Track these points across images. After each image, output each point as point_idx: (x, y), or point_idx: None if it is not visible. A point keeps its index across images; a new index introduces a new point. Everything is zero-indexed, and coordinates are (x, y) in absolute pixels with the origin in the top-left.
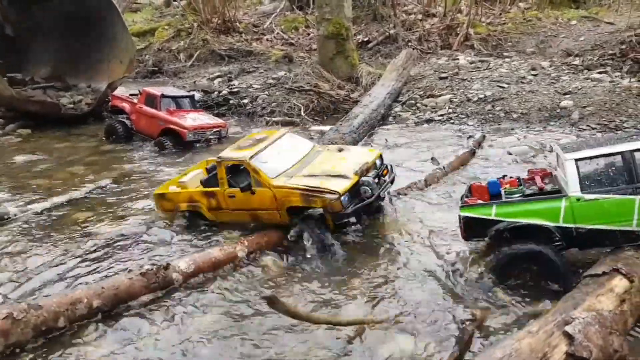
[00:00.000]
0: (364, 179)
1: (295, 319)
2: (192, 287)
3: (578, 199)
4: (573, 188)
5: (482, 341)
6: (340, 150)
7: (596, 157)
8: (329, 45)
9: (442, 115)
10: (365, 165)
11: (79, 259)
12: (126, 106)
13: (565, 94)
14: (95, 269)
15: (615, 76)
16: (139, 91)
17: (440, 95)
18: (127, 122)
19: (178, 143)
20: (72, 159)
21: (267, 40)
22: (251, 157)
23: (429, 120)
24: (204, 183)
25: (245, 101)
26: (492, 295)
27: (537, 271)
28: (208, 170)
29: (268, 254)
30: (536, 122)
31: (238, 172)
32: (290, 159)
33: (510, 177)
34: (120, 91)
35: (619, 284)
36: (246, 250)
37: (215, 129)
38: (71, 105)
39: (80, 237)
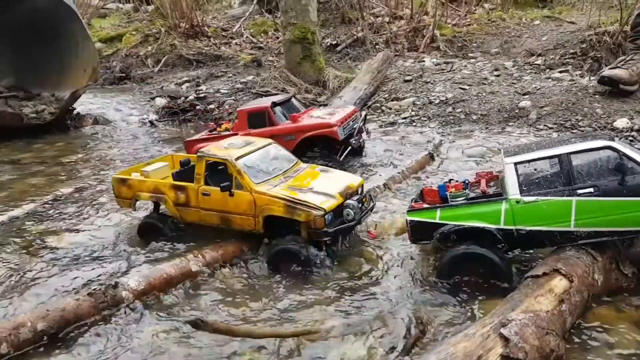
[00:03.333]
0: (348, 201)
1: (233, 336)
2: (143, 303)
3: (517, 202)
4: (512, 191)
5: (431, 345)
6: (323, 170)
7: (534, 160)
8: (295, 50)
9: (405, 118)
10: (350, 188)
11: (29, 276)
12: None
13: (524, 94)
14: (45, 287)
15: (576, 75)
16: (217, 124)
17: (404, 98)
18: None
19: (329, 150)
20: (33, 170)
21: (236, 44)
22: (237, 158)
23: (392, 123)
24: (175, 176)
25: (212, 106)
26: (441, 297)
27: (482, 272)
28: (181, 164)
29: (225, 267)
30: (495, 123)
31: (217, 170)
32: (274, 169)
33: (456, 181)
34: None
35: (559, 284)
36: (200, 264)
37: (353, 117)
38: (34, 115)
39: (33, 252)
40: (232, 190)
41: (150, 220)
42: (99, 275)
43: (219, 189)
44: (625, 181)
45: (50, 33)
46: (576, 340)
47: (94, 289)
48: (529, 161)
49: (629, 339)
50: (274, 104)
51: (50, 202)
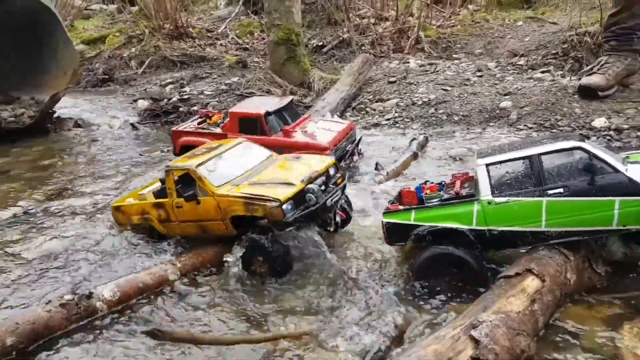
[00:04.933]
0: (309, 186)
1: (198, 344)
2: (117, 313)
3: (489, 202)
4: (484, 192)
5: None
6: (297, 158)
7: (506, 161)
8: (279, 51)
9: (388, 119)
10: (315, 172)
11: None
12: (207, 141)
13: (505, 94)
14: (15, 298)
15: (558, 75)
16: (207, 116)
17: (388, 100)
18: None
19: None
20: (10, 175)
21: (221, 45)
22: (198, 165)
23: (376, 125)
24: (156, 194)
25: (196, 108)
26: (418, 299)
27: (456, 273)
28: (161, 182)
29: (203, 274)
30: (476, 123)
31: (188, 181)
32: (240, 168)
33: (432, 183)
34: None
35: (531, 284)
36: (178, 272)
37: (348, 135)
38: (12, 119)
39: (3, 262)
40: (198, 198)
41: None
42: (73, 285)
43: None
44: (595, 181)
45: (29, 35)
46: (549, 339)
47: (68, 300)
48: (500, 162)
49: (601, 337)
50: (268, 114)
51: (25, 208)
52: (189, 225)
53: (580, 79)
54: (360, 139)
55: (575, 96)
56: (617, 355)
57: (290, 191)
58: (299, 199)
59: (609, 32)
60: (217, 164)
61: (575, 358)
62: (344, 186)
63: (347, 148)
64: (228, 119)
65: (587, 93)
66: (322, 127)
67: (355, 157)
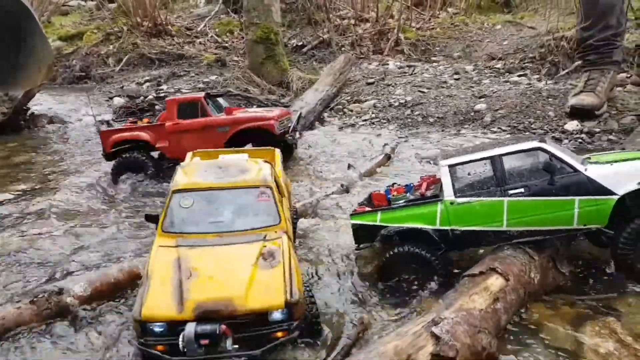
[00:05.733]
0: (186, 328)
1: None
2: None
3: (452, 203)
4: (447, 192)
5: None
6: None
7: (468, 162)
8: (258, 50)
9: (365, 120)
10: (225, 305)
11: None
12: (143, 134)
13: (480, 97)
14: None
15: (534, 78)
16: (139, 117)
17: (365, 101)
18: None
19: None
20: None
21: (200, 43)
22: (176, 190)
23: (352, 125)
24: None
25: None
26: (382, 298)
27: (420, 272)
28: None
29: None
30: (451, 125)
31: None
32: (219, 224)
33: (399, 185)
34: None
35: (495, 282)
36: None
37: (286, 117)
38: None
39: None
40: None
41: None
42: (42, 281)
43: None
44: (555, 181)
45: (3, 31)
46: (511, 337)
47: (38, 296)
48: (462, 163)
49: (563, 335)
50: (209, 96)
51: None
52: None
53: (556, 82)
54: (300, 116)
55: (550, 99)
56: (579, 353)
57: (166, 311)
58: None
59: (584, 46)
60: (201, 200)
61: (538, 356)
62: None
63: (289, 124)
64: (164, 110)
65: (582, 114)
66: (263, 110)
67: (297, 134)
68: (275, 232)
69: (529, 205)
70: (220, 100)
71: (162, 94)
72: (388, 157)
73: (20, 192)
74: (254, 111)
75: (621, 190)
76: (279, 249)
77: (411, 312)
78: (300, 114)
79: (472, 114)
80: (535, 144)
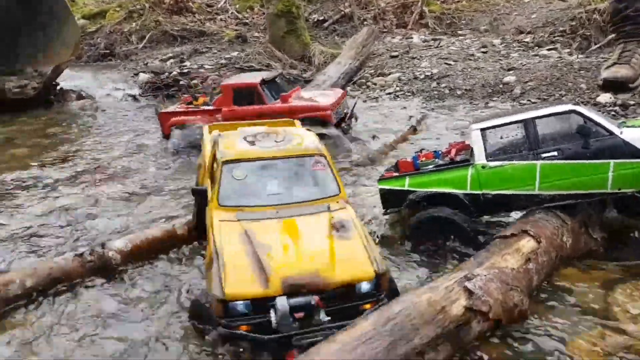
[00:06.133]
0: (278, 302)
1: None
2: (133, 267)
3: (483, 167)
4: (479, 156)
5: None
6: None
7: (500, 126)
8: (279, 23)
9: (389, 93)
10: (313, 279)
11: (15, 240)
12: (198, 118)
13: (509, 70)
14: (30, 250)
15: (565, 52)
16: (193, 97)
17: (390, 74)
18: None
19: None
20: (16, 142)
21: (221, 20)
22: (226, 161)
23: (376, 98)
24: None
25: (196, 81)
26: (409, 262)
27: (448, 236)
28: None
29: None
30: (479, 98)
31: None
32: (277, 196)
33: (427, 151)
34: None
35: (527, 244)
36: (186, 227)
37: (343, 100)
38: (17, 90)
39: (20, 216)
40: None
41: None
42: (87, 238)
43: None
44: (589, 144)
45: (33, 9)
46: (542, 297)
47: (83, 251)
48: (494, 127)
49: (593, 297)
50: (264, 82)
51: (31, 171)
52: None
53: (588, 57)
54: (355, 103)
55: (582, 72)
56: (609, 314)
57: (251, 289)
58: (263, 305)
59: (619, 18)
60: (256, 171)
61: (569, 315)
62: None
63: (345, 111)
64: (220, 94)
65: (616, 86)
66: (319, 94)
67: (354, 120)
68: (337, 202)
69: (562, 169)
70: (277, 81)
71: (185, 70)
72: (414, 129)
73: (54, 159)
74: (309, 97)
75: None
76: (349, 219)
77: (441, 273)
78: (357, 99)
79: (501, 86)
80: (569, 106)
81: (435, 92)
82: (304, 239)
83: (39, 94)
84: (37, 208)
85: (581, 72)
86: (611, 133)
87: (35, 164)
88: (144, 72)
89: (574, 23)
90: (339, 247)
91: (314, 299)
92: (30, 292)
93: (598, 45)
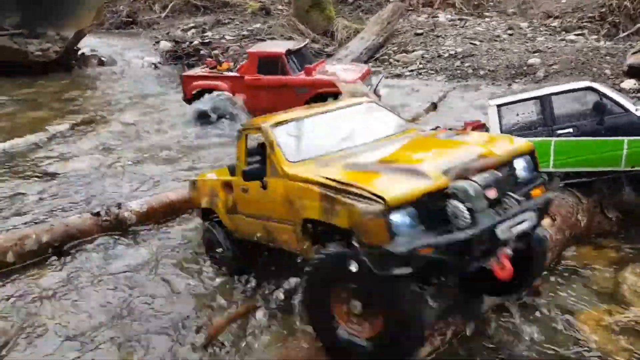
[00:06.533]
0: (459, 184)
1: None
2: (151, 228)
3: None
4: (494, 132)
5: None
6: (456, 135)
7: (517, 102)
8: None
9: (412, 70)
10: (481, 160)
11: (32, 199)
12: (221, 84)
13: (534, 52)
14: (47, 209)
15: (592, 39)
16: (217, 61)
17: (413, 51)
18: (236, 100)
19: None
20: (36, 104)
21: None
22: (275, 124)
23: (398, 75)
24: (230, 168)
25: (217, 52)
26: None
27: None
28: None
29: None
30: (502, 79)
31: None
32: (345, 141)
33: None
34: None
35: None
36: None
37: (368, 77)
38: (39, 53)
39: (38, 177)
40: (265, 179)
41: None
42: (103, 198)
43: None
44: (604, 121)
45: None
46: (554, 274)
47: (99, 210)
48: (511, 103)
49: (604, 276)
50: (290, 52)
51: (53, 133)
52: (253, 222)
53: (615, 44)
54: (380, 80)
55: (607, 57)
56: (619, 293)
57: (414, 186)
58: (434, 209)
59: None
60: (306, 128)
61: (579, 292)
62: (545, 204)
63: (369, 86)
64: (245, 60)
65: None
66: (343, 68)
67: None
68: (415, 131)
69: (577, 146)
70: (303, 53)
71: (206, 40)
72: (434, 106)
73: (76, 121)
74: (333, 71)
75: None
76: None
77: None
78: (383, 76)
79: (525, 68)
80: (585, 83)
81: (459, 72)
82: (412, 147)
83: (61, 57)
84: (53, 169)
85: (607, 57)
86: (626, 110)
87: (54, 126)
88: (165, 40)
89: (603, 9)
90: (473, 140)
91: (497, 174)
92: (46, 248)
93: (626, 33)
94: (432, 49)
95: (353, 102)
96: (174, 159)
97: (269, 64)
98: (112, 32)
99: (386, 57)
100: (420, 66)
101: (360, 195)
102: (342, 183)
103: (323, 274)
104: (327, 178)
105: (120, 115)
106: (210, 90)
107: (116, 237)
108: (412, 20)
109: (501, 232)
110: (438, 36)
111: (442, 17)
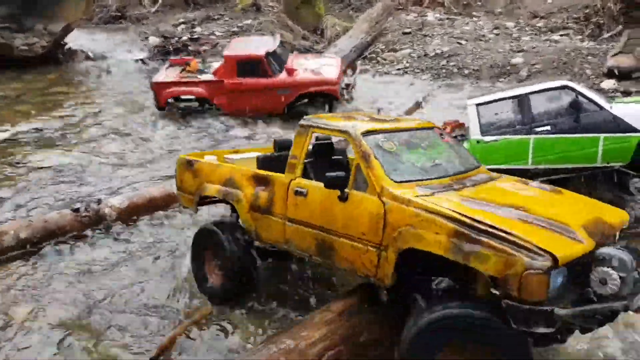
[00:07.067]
0: (607, 250)
1: None
2: (127, 224)
3: (478, 141)
4: (474, 131)
5: None
6: (544, 187)
7: (496, 101)
8: None
9: (399, 69)
10: (604, 224)
11: (10, 194)
12: (198, 89)
13: (518, 51)
14: (30, 203)
15: (577, 39)
16: (184, 62)
17: (401, 50)
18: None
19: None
20: (22, 99)
21: None
22: (366, 132)
23: (386, 73)
24: (262, 161)
25: (205, 48)
26: None
27: None
28: (277, 145)
29: None
30: (486, 78)
31: (329, 158)
32: (436, 167)
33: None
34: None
35: None
36: None
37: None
38: (25, 47)
39: (19, 171)
40: (347, 190)
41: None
42: (83, 193)
43: (322, 184)
44: (580, 118)
45: None
46: None
47: (78, 206)
48: (489, 102)
49: None
50: (268, 54)
51: (36, 127)
52: (302, 231)
53: (598, 44)
54: (357, 71)
55: (589, 58)
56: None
57: (574, 246)
58: (576, 271)
59: (630, 2)
60: (395, 142)
61: None
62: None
63: (345, 80)
64: (222, 62)
65: (620, 75)
66: (321, 64)
67: (351, 89)
68: (485, 171)
69: (555, 143)
70: (279, 51)
71: (195, 36)
72: (418, 105)
73: (60, 116)
74: (313, 69)
75: None
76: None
77: None
78: (358, 70)
79: (508, 67)
80: (562, 82)
81: (444, 71)
82: (530, 196)
83: (48, 52)
84: (34, 164)
85: (588, 58)
86: (601, 107)
87: (38, 121)
88: (154, 35)
89: (588, 10)
90: (571, 201)
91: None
92: (24, 244)
93: (610, 34)
94: (419, 47)
95: (424, 125)
96: (157, 155)
97: (249, 66)
98: (101, 26)
99: (374, 55)
100: (407, 65)
101: (524, 247)
102: (492, 227)
103: (441, 328)
104: (463, 215)
105: (105, 111)
106: (186, 98)
107: (97, 232)
108: (401, 19)
109: (635, 302)
110: (426, 35)
111: (431, 16)
